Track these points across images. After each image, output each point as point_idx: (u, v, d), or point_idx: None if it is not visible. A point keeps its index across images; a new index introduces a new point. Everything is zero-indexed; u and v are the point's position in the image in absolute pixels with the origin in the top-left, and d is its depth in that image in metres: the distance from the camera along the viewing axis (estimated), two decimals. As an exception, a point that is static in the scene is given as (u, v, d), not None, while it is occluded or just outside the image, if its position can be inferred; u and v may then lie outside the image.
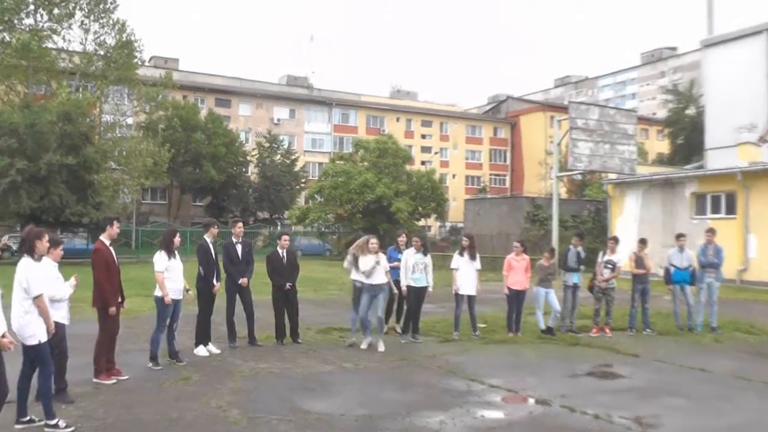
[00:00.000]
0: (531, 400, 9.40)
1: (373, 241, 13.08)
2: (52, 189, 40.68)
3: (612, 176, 36.90)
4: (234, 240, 12.95)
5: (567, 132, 31.67)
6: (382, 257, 13.15)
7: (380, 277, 12.97)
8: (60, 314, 8.79)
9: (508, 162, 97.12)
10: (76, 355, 9.78)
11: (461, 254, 14.61)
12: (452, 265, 14.71)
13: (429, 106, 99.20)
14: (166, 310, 10.99)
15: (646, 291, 15.63)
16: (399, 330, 14.46)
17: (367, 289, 12.91)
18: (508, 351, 13.06)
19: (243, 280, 12.72)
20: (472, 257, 14.59)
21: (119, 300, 10.22)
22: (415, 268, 13.80)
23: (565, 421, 8.37)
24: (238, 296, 12.79)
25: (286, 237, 13.57)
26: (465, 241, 14.69)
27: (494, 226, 47.26)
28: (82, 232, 47.32)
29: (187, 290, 11.63)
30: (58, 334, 8.48)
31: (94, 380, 9.86)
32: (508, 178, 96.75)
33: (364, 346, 12.72)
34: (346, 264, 13.47)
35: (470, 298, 14.56)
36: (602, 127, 32.66)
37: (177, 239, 11.25)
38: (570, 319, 15.40)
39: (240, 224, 13.23)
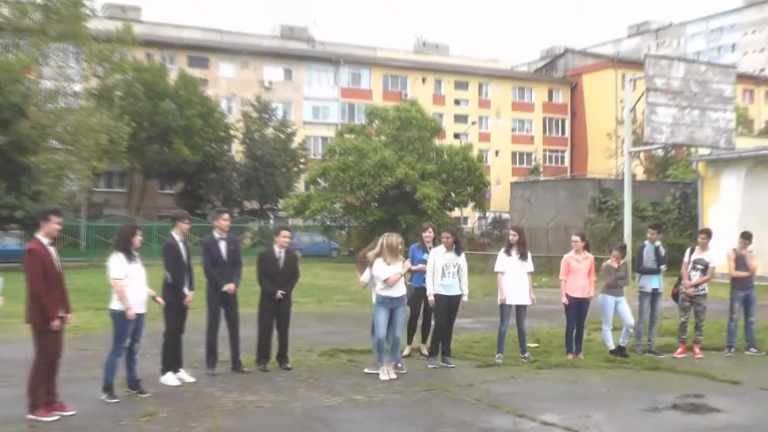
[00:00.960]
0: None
1: (401, 240, 13.11)
2: (-27, 176, 40.79)
3: (704, 151, 36.57)
4: (217, 235, 12.98)
5: (643, 94, 31.42)
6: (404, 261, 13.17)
7: (401, 287, 12.98)
8: None
9: (567, 134, 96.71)
10: (5, 385, 9.80)
11: (508, 253, 14.54)
12: (497, 268, 14.65)
13: (464, 63, 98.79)
14: (126, 328, 11.01)
15: (749, 299, 15.50)
16: (425, 352, 14.44)
17: (386, 303, 12.86)
18: (568, 378, 13.00)
19: (229, 287, 12.70)
20: (523, 257, 14.52)
21: (62, 313, 10.21)
22: (446, 271, 13.75)
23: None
24: (222, 308, 12.83)
25: (286, 233, 13.58)
26: (513, 236, 14.62)
27: (549, 217, 47.09)
28: (16, 229, 47.51)
29: (153, 297, 11.67)
30: None
31: (30, 417, 9.88)
32: (567, 155, 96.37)
33: (384, 377, 12.63)
34: (365, 278, 13.36)
35: (520, 309, 14.51)
36: (690, 88, 32.14)
37: (137, 238, 11.27)
38: (648, 336, 15.32)
39: (226, 215, 13.22)
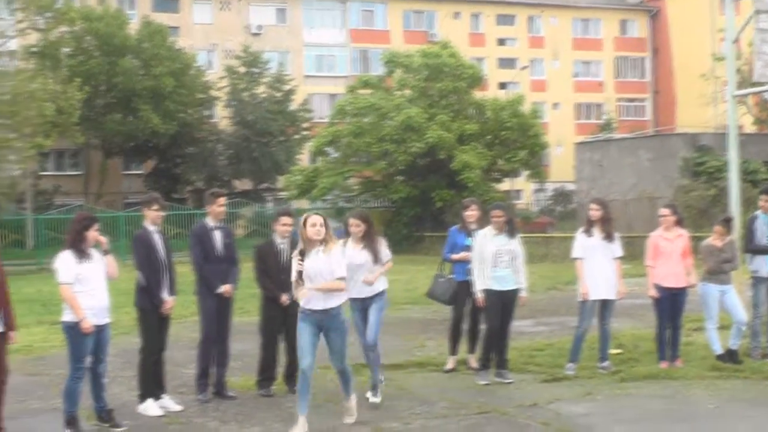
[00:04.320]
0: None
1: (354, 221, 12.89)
2: None
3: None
4: (210, 224, 13.01)
5: (750, 19, 31.13)
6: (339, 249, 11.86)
7: (335, 295, 11.40)
8: None
9: (648, 78, 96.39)
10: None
11: (588, 233, 14.42)
12: (575, 253, 14.55)
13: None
14: (83, 344, 11.01)
15: None
16: (474, 364, 14.42)
17: (307, 318, 11.34)
18: (661, 393, 12.90)
19: (226, 288, 12.69)
20: (608, 238, 14.40)
21: (1, 330, 10.31)
22: (498, 259, 13.69)
23: None
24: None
25: (287, 219, 13.50)
26: (595, 211, 14.42)
27: (629, 186, 46.90)
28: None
29: (105, 252, 11.49)
30: None
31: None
32: (648, 105, 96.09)
33: None
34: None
35: (605, 306, 14.45)
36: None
37: (92, 231, 11.21)
38: (767, 335, 15.19)
39: (222, 200, 13.26)
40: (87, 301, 10.93)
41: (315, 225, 10.95)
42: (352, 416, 11.55)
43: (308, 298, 10.97)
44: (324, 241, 11.02)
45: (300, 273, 10.93)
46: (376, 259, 12.67)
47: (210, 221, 13.03)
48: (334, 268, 10.98)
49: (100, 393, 11.35)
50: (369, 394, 12.50)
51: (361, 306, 12.67)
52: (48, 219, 56.38)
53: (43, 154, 62.75)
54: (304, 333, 11.11)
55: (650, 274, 14.67)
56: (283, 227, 13.33)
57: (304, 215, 11.32)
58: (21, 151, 51.61)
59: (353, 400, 11.64)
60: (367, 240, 12.71)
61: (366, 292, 12.53)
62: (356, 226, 12.78)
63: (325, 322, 11.09)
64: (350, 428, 11.27)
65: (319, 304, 10.99)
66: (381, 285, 12.72)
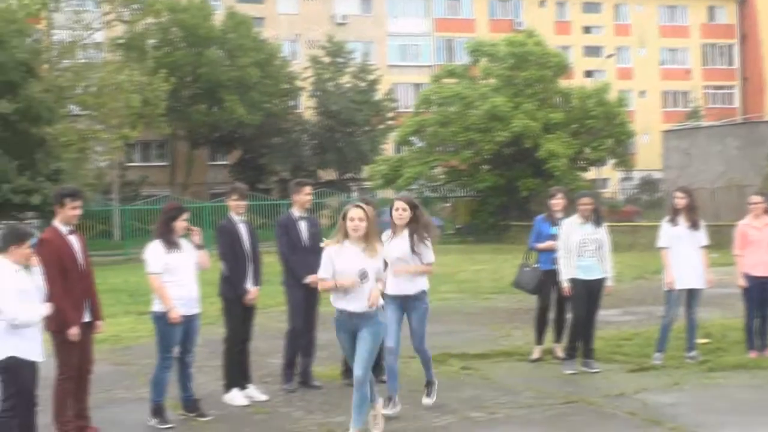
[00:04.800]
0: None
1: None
2: (-24, 154, 41.71)
3: None
4: (296, 214, 13.00)
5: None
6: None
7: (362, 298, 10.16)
8: (29, 346, 9.14)
9: (737, 65, 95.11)
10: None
11: (673, 222, 14.29)
12: (661, 242, 14.39)
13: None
14: (172, 334, 11.12)
15: None
16: (560, 353, 14.38)
17: (343, 321, 10.31)
18: (750, 383, 12.78)
19: (312, 278, 12.45)
20: (694, 226, 14.27)
21: (87, 319, 10.45)
22: (583, 249, 13.63)
23: None
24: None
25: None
26: (680, 199, 14.29)
27: (716, 174, 46.39)
28: (32, 217, 48.18)
29: (199, 247, 11.54)
30: (21, 375, 9.00)
31: (58, 446, 10.15)
32: (736, 92, 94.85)
33: None
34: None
35: (692, 295, 14.30)
36: None
37: (181, 222, 11.30)
38: None
39: (308, 189, 13.24)
40: (176, 291, 11.00)
41: (353, 219, 9.90)
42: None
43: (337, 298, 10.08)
44: (366, 238, 9.95)
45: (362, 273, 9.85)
46: (415, 251, 11.27)
47: (296, 211, 13.03)
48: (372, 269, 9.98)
49: (187, 383, 11.44)
50: (424, 398, 11.80)
51: (400, 305, 11.39)
52: (134, 210, 57.10)
53: (129, 146, 63.30)
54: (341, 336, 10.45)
55: (739, 263, 14.53)
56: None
57: (345, 207, 10.28)
58: (108, 142, 52.19)
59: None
60: (412, 228, 11.37)
61: (406, 289, 11.35)
62: (402, 210, 11.42)
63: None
64: (437, 418, 11.26)
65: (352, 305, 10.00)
66: (422, 282, 11.51)
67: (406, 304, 11.43)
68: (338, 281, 9.87)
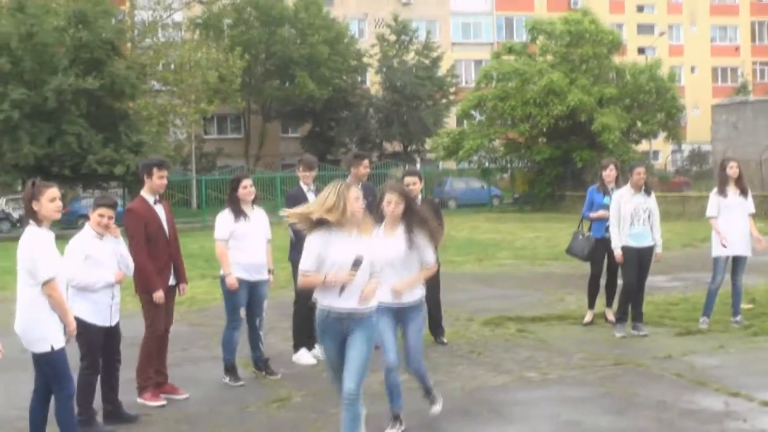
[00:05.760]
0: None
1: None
2: (65, 127, 42.29)
3: None
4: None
5: None
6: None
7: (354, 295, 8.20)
8: (94, 309, 9.29)
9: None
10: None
11: (722, 193, 14.06)
12: (709, 212, 14.18)
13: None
14: (236, 297, 11.22)
15: None
16: (611, 317, 14.34)
17: (329, 322, 8.26)
18: (794, 347, 12.67)
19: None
20: (743, 194, 14.08)
21: (174, 283, 10.60)
22: (635, 218, 13.51)
23: None
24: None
25: (413, 179, 12.91)
26: (731, 169, 14.09)
27: (763, 147, 45.82)
28: (116, 187, 48.67)
29: (270, 271, 11.63)
30: (91, 336, 9.19)
31: (139, 401, 10.33)
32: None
33: None
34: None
35: (738, 262, 14.13)
36: None
37: (244, 189, 11.27)
38: None
39: (366, 162, 13.04)
40: (241, 257, 11.11)
41: (358, 199, 8.09)
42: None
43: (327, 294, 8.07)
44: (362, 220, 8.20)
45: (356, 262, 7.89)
46: (412, 249, 8.99)
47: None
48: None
49: (257, 343, 11.54)
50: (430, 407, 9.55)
51: (394, 316, 9.07)
52: (211, 180, 57.21)
53: (206, 119, 63.87)
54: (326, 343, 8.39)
55: (784, 232, 14.40)
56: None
57: (342, 185, 8.14)
58: (186, 116, 52.70)
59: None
60: (408, 222, 9.05)
61: (402, 297, 9.01)
62: (396, 204, 9.05)
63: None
64: (493, 378, 11.28)
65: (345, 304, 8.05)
66: (420, 290, 9.28)
67: (400, 314, 9.11)
68: (329, 277, 7.91)
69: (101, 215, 9.26)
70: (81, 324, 8.80)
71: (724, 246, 13.82)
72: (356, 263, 7.79)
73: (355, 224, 8.03)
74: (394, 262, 8.83)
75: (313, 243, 7.94)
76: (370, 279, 8.06)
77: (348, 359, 8.01)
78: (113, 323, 9.51)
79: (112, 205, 9.46)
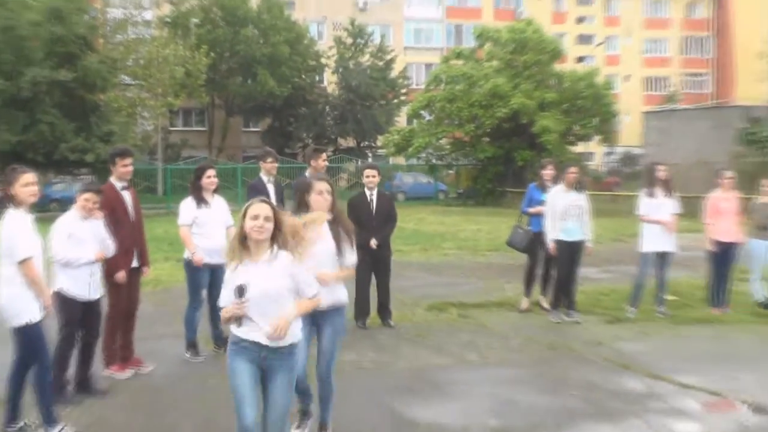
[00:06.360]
0: (743, 407, 9.25)
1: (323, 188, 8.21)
2: (40, 116, 41.91)
3: None
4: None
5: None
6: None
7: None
8: (74, 284, 9.39)
9: (711, 55, 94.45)
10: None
11: (650, 193, 14.33)
12: (640, 210, 14.40)
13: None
14: (199, 277, 11.33)
15: None
16: (546, 305, 14.55)
17: (243, 350, 6.72)
18: (710, 335, 12.90)
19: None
20: (669, 196, 14.35)
21: (135, 265, 10.64)
22: (568, 213, 13.72)
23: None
24: None
25: (371, 171, 13.42)
26: (660, 172, 14.38)
27: (690, 152, 46.17)
28: (86, 174, 48.33)
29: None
30: (70, 309, 9.32)
31: (106, 372, 10.39)
32: (710, 80, 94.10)
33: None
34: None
35: (664, 257, 14.35)
36: None
37: (208, 178, 11.37)
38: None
39: (324, 156, 13.21)
40: (203, 242, 11.20)
41: (258, 218, 6.52)
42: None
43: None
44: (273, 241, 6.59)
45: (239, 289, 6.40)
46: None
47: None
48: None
49: (217, 322, 11.41)
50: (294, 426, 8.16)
51: (311, 320, 7.81)
52: (176, 169, 56.94)
53: (172, 112, 63.53)
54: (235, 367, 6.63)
55: (709, 231, 14.61)
56: (369, 179, 13.23)
57: (246, 204, 6.73)
58: (154, 109, 52.41)
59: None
60: (335, 230, 8.10)
61: (323, 299, 7.28)
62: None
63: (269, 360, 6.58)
64: (435, 360, 11.36)
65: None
66: (342, 292, 8.20)
67: (319, 318, 7.91)
68: (222, 312, 6.60)
69: (87, 200, 9.42)
70: (61, 297, 9.02)
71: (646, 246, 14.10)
72: (240, 291, 6.34)
73: (262, 247, 6.52)
74: (323, 265, 7.68)
75: (227, 277, 6.58)
76: (288, 307, 6.52)
77: (268, 404, 6.59)
78: (92, 297, 9.57)
79: (98, 191, 9.60)
